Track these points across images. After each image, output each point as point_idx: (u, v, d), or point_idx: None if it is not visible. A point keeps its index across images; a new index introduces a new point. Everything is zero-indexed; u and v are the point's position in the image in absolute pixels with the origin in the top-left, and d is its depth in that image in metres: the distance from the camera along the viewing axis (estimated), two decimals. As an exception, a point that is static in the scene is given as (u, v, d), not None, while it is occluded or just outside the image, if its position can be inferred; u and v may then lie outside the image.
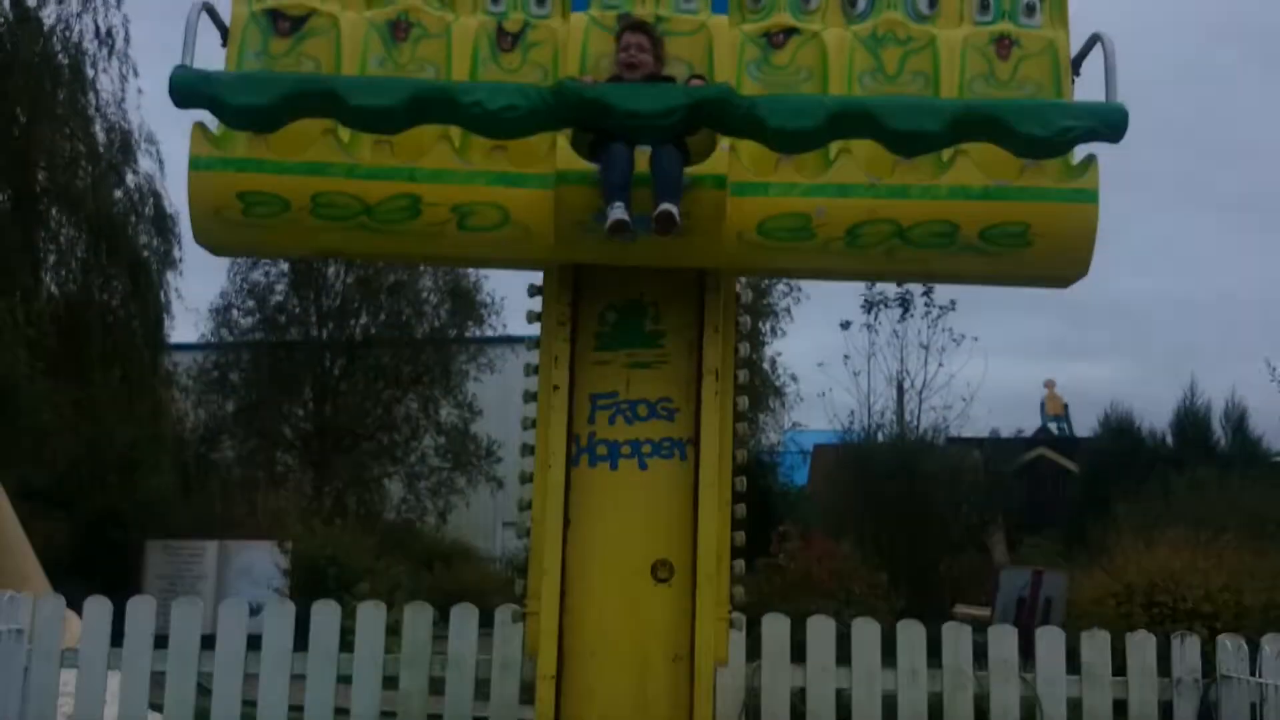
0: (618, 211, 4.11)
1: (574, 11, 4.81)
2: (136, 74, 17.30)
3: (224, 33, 4.77)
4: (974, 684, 6.14)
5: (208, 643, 6.16)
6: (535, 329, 4.94)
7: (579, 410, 4.74)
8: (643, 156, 4.27)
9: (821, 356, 31.97)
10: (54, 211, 17.09)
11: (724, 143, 4.41)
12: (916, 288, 19.39)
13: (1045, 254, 4.48)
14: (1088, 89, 4.66)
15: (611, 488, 4.72)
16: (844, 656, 6.18)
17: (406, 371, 22.10)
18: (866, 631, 6.22)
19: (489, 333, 22.98)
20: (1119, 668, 6.20)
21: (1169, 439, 22.32)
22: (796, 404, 23.66)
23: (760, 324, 21.59)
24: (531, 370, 4.93)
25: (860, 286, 19.73)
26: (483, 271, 22.62)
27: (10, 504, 10.38)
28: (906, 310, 19.76)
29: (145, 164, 17.59)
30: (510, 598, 5.29)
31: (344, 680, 6.17)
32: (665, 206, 4.10)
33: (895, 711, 6.14)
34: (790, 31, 4.82)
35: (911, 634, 6.21)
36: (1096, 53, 4.58)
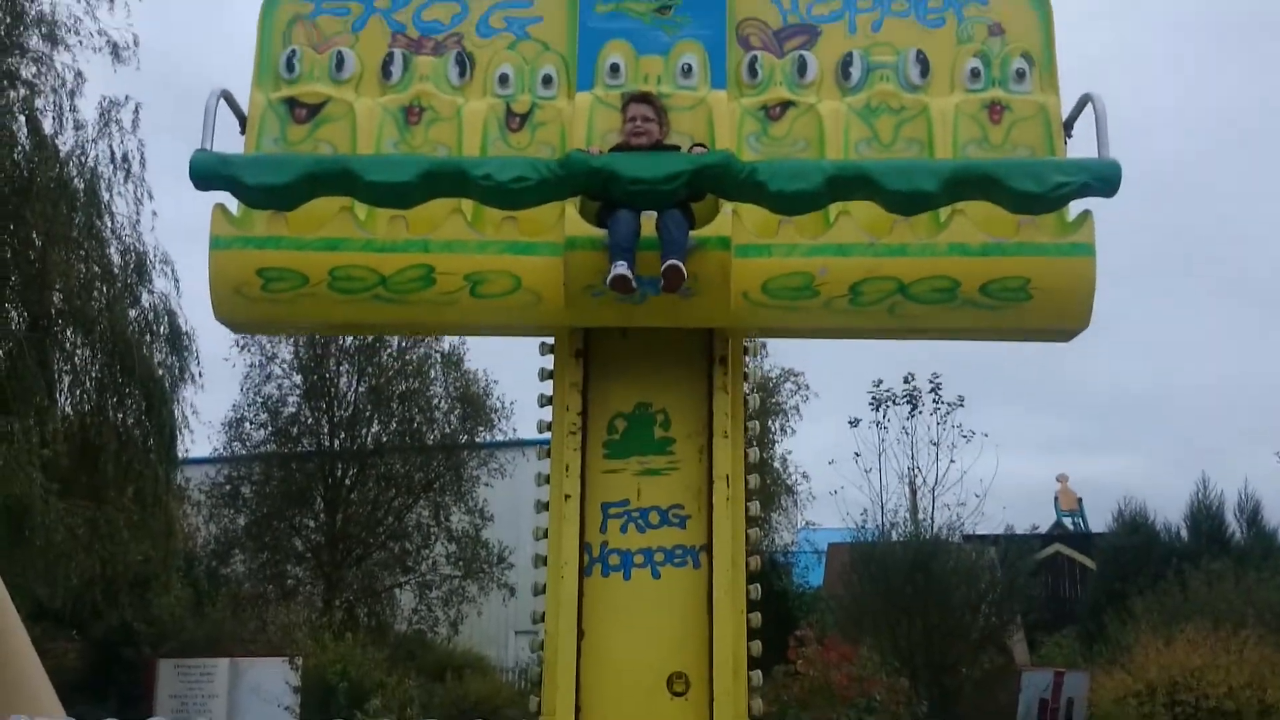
0: (620, 268, 4.25)
1: (579, 92, 5.00)
2: (151, 197, 17.62)
3: (242, 120, 4.97)
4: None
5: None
6: (546, 435, 4.98)
7: (591, 519, 4.73)
8: (649, 222, 4.41)
9: (832, 454, 31.97)
10: (69, 332, 17.29)
11: (727, 207, 4.55)
12: (924, 384, 19.51)
13: (1046, 307, 4.58)
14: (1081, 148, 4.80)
15: (625, 598, 4.68)
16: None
17: (418, 478, 22.09)
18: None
19: (499, 437, 23.05)
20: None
21: (1183, 532, 22.24)
22: (809, 502, 23.60)
23: (769, 423, 21.63)
24: (543, 480, 4.96)
25: (868, 383, 19.89)
26: (493, 376, 22.91)
27: (23, 625, 10.34)
28: (915, 407, 19.80)
29: (160, 284, 17.83)
30: (524, 712, 5.20)
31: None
32: (672, 261, 4.24)
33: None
34: (787, 104, 5.00)
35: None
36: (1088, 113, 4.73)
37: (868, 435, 20.11)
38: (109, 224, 17.32)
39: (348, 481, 21.96)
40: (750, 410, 5.16)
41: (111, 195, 17.17)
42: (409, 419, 22.04)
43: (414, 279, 4.55)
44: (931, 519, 19.84)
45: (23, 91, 16.38)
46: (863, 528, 19.86)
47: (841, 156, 4.86)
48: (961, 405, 19.66)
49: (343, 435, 21.82)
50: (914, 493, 20.16)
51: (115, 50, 16.99)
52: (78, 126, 16.87)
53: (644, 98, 4.82)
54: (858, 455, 20.00)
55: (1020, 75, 4.97)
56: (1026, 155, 4.86)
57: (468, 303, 4.58)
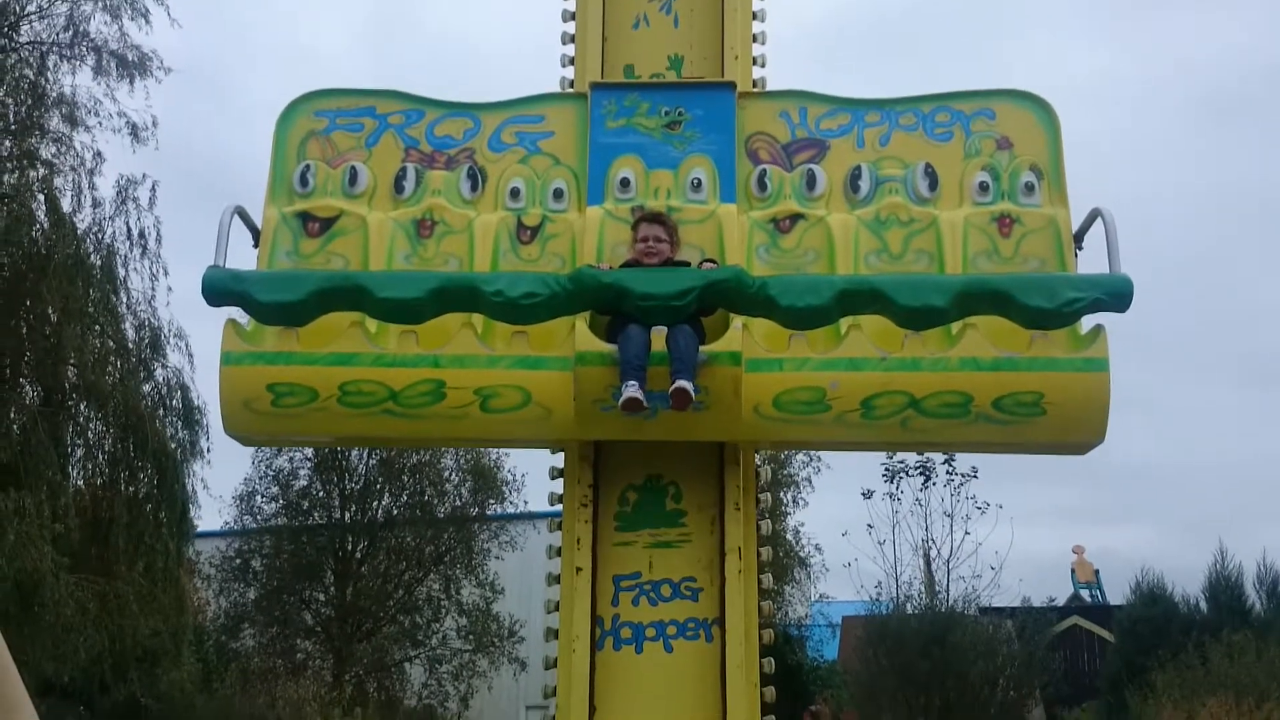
0: (631, 389, 4.25)
1: (590, 205, 5.03)
2: (167, 273, 17.76)
3: (255, 234, 5.00)
4: None
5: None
6: (557, 507, 4.98)
7: (602, 592, 4.72)
8: (660, 337, 4.41)
9: (845, 526, 31.71)
10: (82, 406, 17.36)
11: (737, 321, 4.56)
12: (937, 456, 19.39)
13: (1060, 422, 4.55)
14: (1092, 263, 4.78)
15: (637, 672, 4.65)
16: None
17: (428, 551, 22.00)
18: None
19: (510, 509, 22.98)
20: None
21: (1202, 604, 21.98)
22: (822, 575, 23.37)
23: (782, 494, 21.51)
24: (554, 552, 4.94)
25: (881, 455, 19.76)
26: (503, 449, 22.81)
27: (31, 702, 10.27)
28: (928, 479, 19.71)
29: (174, 358, 17.91)
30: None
31: None
32: (681, 383, 4.23)
33: None
34: (796, 217, 5.02)
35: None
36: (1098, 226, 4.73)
37: (881, 507, 20.04)
38: (124, 299, 17.46)
39: (358, 554, 21.91)
40: (762, 482, 5.14)
41: (127, 271, 17.34)
42: (420, 491, 22.03)
43: (424, 394, 4.56)
44: (947, 591, 19.68)
45: (42, 171, 16.63)
46: (877, 600, 19.69)
47: (851, 268, 4.87)
48: (975, 476, 19.58)
49: (353, 508, 21.81)
50: (929, 564, 19.99)
51: (134, 131, 17.31)
52: (95, 204, 17.10)
53: (656, 217, 4.84)
54: (870, 527, 19.90)
55: (1029, 188, 4.98)
56: (1037, 267, 4.85)
57: (478, 417, 4.58)
